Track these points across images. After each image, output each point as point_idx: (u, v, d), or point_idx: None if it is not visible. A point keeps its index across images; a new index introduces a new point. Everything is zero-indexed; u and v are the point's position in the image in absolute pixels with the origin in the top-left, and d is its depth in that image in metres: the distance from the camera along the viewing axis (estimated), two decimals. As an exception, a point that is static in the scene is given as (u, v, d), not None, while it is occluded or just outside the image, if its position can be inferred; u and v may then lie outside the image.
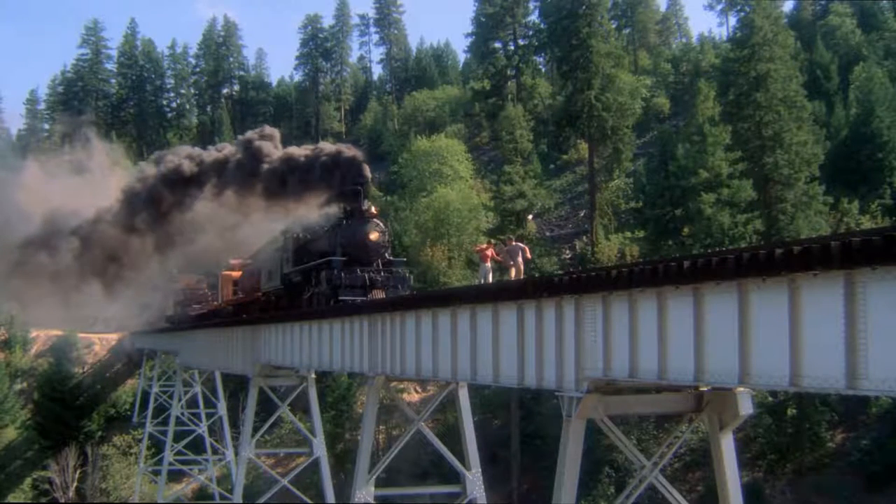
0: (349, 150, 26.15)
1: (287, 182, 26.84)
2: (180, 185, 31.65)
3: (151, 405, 54.07)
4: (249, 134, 30.96)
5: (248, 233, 31.47)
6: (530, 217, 60.82)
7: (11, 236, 34.74)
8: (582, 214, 65.89)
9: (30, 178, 37.06)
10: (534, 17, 78.89)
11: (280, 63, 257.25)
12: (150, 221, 32.79)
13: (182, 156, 33.23)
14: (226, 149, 32.52)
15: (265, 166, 27.85)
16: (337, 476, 43.00)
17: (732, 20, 75.59)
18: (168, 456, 47.31)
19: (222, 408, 48.56)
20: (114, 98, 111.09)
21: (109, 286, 35.81)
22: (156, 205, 32.52)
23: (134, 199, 33.54)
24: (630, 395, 12.55)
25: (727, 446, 12.28)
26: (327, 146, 27.91)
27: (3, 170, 38.88)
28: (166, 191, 32.07)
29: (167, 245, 33.16)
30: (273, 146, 29.33)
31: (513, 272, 19.90)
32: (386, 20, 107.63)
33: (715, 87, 56.68)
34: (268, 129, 30.86)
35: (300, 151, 28.08)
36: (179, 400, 47.23)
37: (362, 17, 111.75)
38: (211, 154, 32.28)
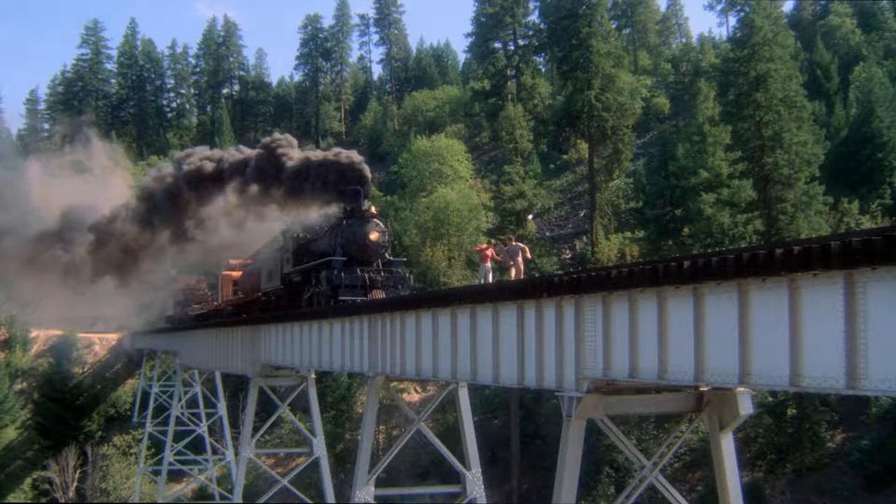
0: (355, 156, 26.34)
1: (305, 185, 27.01)
2: (202, 183, 32.25)
3: (151, 405, 54.08)
4: (268, 139, 31.18)
5: (254, 232, 31.96)
6: (530, 217, 60.84)
7: (26, 231, 36.08)
8: (582, 214, 65.89)
9: (32, 178, 37.76)
10: (534, 17, 79.03)
11: (280, 63, 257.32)
12: (168, 218, 33.70)
13: (201, 156, 33.84)
14: (245, 151, 32.97)
15: (288, 168, 27.97)
16: (337, 476, 43.04)
17: (732, 20, 75.74)
18: (168, 456, 47.29)
19: (222, 408, 48.55)
20: (114, 98, 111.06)
21: (124, 279, 37.20)
22: (176, 202, 33.29)
23: (152, 197, 34.41)
24: (630, 395, 12.56)
25: (727, 446, 12.28)
26: (342, 151, 28.09)
27: (9, 170, 39.62)
28: (187, 189, 32.75)
29: (183, 240, 34.05)
30: (293, 150, 29.63)
31: (513, 272, 19.89)
32: (386, 20, 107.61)
33: (715, 87, 56.67)
34: (287, 138, 31.16)
35: (316, 155, 28.36)
36: (179, 400, 47.21)
37: (362, 17, 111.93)
38: (232, 154, 32.79)
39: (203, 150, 35.95)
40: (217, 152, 35.15)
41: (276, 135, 30.56)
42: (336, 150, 28.38)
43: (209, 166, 32.19)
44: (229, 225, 31.95)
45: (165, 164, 39.00)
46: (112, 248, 35.81)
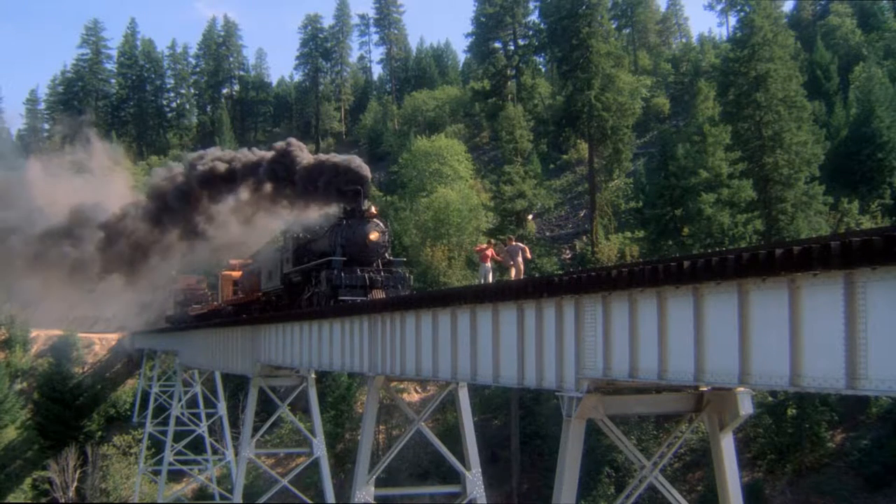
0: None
1: (316, 185, 27.18)
2: (214, 183, 32.72)
3: (151, 405, 54.08)
4: (283, 143, 31.39)
5: (259, 232, 32.76)
6: (530, 217, 60.83)
7: (31, 230, 36.81)
8: (582, 214, 65.88)
9: (33, 178, 38.10)
10: (534, 17, 79.16)
11: (280, 63, 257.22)
12: (179, 216, 34.47)
13: (213, 157, 34.40)
14: (258, 153, 33.45)
15: (300, 168, 28.12)
16: (337, 476, 43.05)
17: (732, 20, 75.74)
18: (168, 456, 47.28)
19: (222, 408, 48.52)
20: (114, 98, 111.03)
21: (132, 277, 38.23)
22: (187, 200, 33.95)
23: (163, 196, 35.17)
24: (630, 395, 12.56)
25: (727, 446, 12.28)
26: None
27: (10, 170, 40.00)
28: (199, 188, 33.31)
29: (193, 237, 34.80)
30: (304, 153, 29.90)
31: (513, 272, 19.88)
32: (386, 20, 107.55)
33: (715, 87, 56.65)
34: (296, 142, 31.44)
35: (328, 157, 28.61)
36: (179, 400, 47.19)
37: (362, 17, 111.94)
38: (245, 155, 33.30)
39: (215, 151, 36.48)
40: (229, 153, 35.65)
41: (293, 140, 30.82)
42: (344, 156, 28.44)
43: (222, 167, 32.67)
44: (238, 222, 32.54)
45: (175, 164, 40.05)
46: (122, 246, 36.68)
